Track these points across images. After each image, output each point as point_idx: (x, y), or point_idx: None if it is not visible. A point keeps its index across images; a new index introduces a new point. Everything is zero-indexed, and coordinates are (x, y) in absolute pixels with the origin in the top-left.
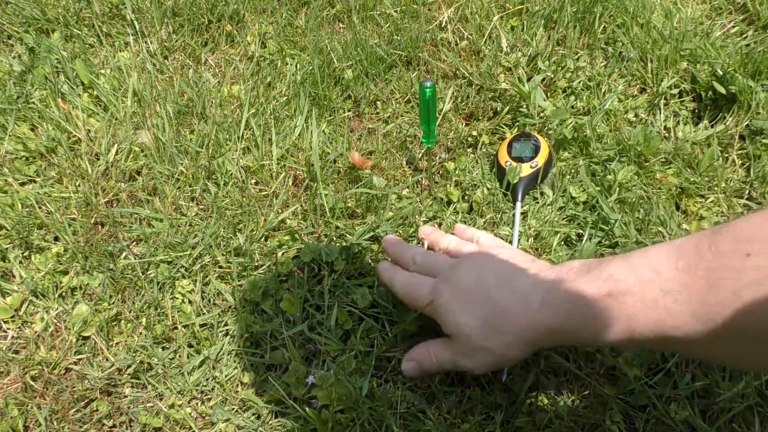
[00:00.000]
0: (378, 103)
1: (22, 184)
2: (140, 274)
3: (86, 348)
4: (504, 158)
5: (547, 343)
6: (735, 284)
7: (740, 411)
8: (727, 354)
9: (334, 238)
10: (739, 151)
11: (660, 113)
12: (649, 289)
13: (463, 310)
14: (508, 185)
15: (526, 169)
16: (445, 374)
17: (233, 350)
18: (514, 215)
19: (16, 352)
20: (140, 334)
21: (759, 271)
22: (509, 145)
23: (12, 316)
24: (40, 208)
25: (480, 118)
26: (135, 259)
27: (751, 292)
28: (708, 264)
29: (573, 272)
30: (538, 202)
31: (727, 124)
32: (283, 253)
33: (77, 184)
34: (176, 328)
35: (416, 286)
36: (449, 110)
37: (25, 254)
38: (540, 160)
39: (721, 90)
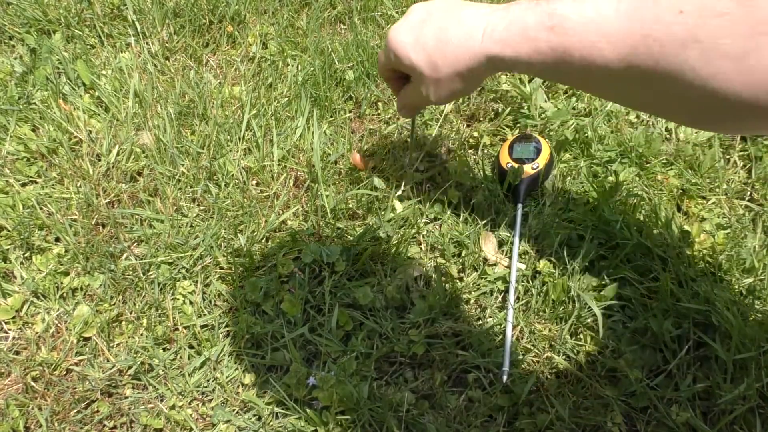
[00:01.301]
0: (379, 104)
1: (24, 185)
2: (141, 275)
3: (87, 349)
4: (505, 160)
5: (488, 73)
6: (664, 37)
7: (741, 413)
8: (620, 90)
9: (335, 239)
10: (741, 153)
11: None
12: (590, 30)
13: (414, 47)
14: (509, 187)
15: (527, 171)
16: (447, 377)
17: (234, 351)
18: (515, 216)
19: (17, 352)
20: (141, 335)
21: (687, 30)
22: (510, 147)
23: (13, 317)
24: (41, 208)
25: (481, 119)
26: (136, 260)
27: (675, 49)
28: (645, 12)
29: (520, 7)
30: (539, 204)
31: None
32: (284, 254)
33: (78, 185)
34: (177, 329)
35: (380, 52)
36: (450, 111)
37: (26, 255)
38: (541, 161)
39: None
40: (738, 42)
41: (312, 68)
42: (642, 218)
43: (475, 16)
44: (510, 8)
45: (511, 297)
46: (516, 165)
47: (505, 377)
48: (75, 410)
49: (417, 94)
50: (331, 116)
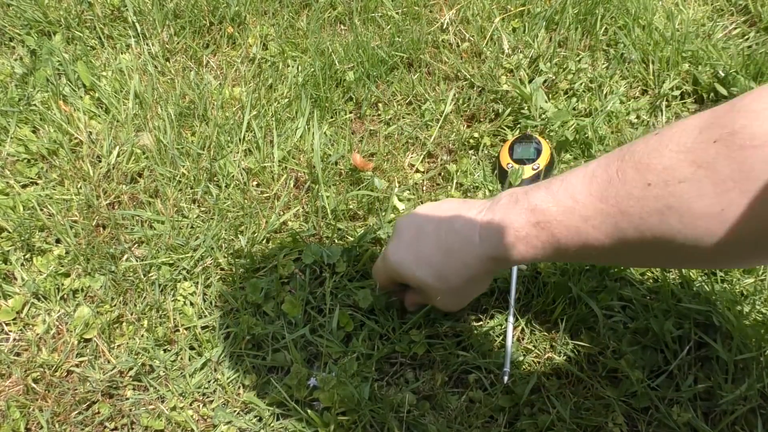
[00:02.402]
0: (379, 104)
1: (24, 187)
2: (142, 276)
3: (88, 350)
4: (506, 160)
5: (495, 269)
6: (641, 211)
7: (743, 413)
8: (630, 260)
9: (336, 240)
10: None
11: (662, 115)
12: (570, 217)
13: (417, 263)
14: (509, 187)
15: (527, 171)
16: (448, 377)
17: (235, 352)
18: None
19: (18, 354)
20: (142, 336)
21: (658, 200)
22: (511, 147)
23: (14, 319)
24: (41, 210)
25: (481, 119)
26: (136, 261)
27: (655, 219)
28: (617, 191)
29: (502, 207)
30: None
31: None
32: (284, 255)
33: (79, 186)
34: (178, 330)
35: (375, 266)
36: (450, 112)
37: (26, 256)
38: (542, 162)
39: (723, 92)
40: (709, 201)
41: (312, 69)
42: None
43: (466, 224)
44: (494, 209)
45: (512, 297)
46: (516, 165)
47: (506, 378)
48: (76, 412)
49: (429, 301)
50: (332, 117)
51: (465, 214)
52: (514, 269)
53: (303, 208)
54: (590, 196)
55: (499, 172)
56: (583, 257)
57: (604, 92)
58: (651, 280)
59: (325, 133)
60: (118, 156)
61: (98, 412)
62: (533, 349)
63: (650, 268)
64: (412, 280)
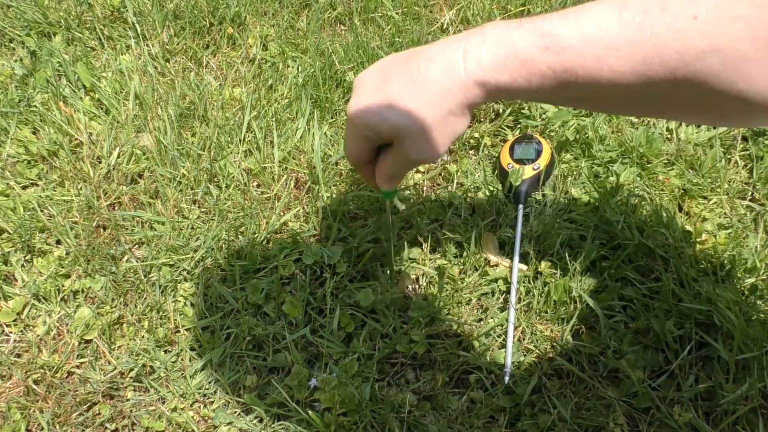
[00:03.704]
0: None
1: (24, 188)
2: (142, 277)
3: (88, 351)
4: (506, 160)
5: (477, 101)
6: (681, 46)
7: (744, 413)
8: (640, 104)
9: (336, 241)
10: (742, 153)
11: None
12: (591, 45)
13: (386, 107)
14: (510, 187)
15: (528, 172)
16: (449, 378)
17: (235, 353)
18: (516, 217)
19: (19, 355)
20: (142, 337)
21: (703, 36)
22: (511, 148)
23: (14, 320)
24: (42, 211)
25: (482, 120)
26: (137, 262)
27: (693, 57)
28: (655, 21)
29: (499, 29)
30: (540, 204)
31: None
32: (285, 256)
33: (79, 187)
34: (178, 331)
35: (345, 140)
36: None
37: (27, 258)
38: (542, 162)
39: None
40: (758, 45)
41: (312, 69)
42: (643, 218)
43: (445, 48)
44: (485, 32)
45: (513, 297)
46: (517, 166)
47: (506, 378)
48: (76, 413)
49: (403, 157)
50: (332, 117)
51: (442, 43)
52: (515, 269)
53: (303, 208)
54: (620, 25)
55: (500, 172)
56: (586, 95)
57: None
58: (652, 280)
59: (325, 133)
60: (118, 157)
61: (99, 414)
62: (534, 349)
63: (647, 117)
64: (383, 129)
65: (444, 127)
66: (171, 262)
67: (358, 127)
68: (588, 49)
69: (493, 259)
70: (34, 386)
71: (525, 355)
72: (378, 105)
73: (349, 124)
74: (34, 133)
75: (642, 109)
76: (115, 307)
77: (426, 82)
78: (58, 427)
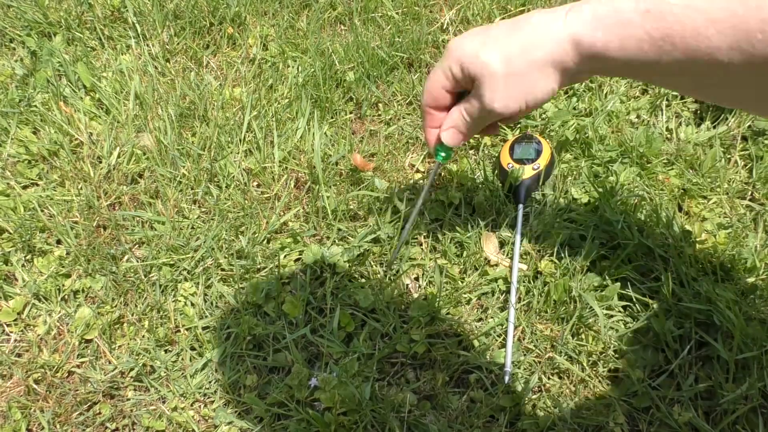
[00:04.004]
0: (380, 105)
1: (25, 188)
2: (142, 276)
3: (89, 351)
4: (506, 160)
5: (567, 64)
6: None
7: (744, 413)
8: (739, 90)
9: (336, 241)
10: (742, 153)
11: (662, 114)
12: (693, 15)
13: (484, 43)
14: (510, 187)
15: (528, 171)
16: (449, 377)
17: (236, 353)
18: (516, 217)
19: (19, 355)
20: (143, 337)
21: None
22: (511, 148)
23: (15, 320)
24: (42, 211)
25: None
26: (137, 261)
27: None
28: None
29: None
30: (540, 204)
31: (729, 125)
32: (285, 256)
33: (79, 187)
34: (179, 330)
35: (429, 77)
36: None
37: (27, 257)
38: (542, 162)
39: None
40: None
41: (312, 69)
42: (643, 218)
43: (552, 10)
44: None
45: (513, 297)
46: (517, 165)
47: (506, 377)
48: (77, 412)
49: (476, 102)
50: (332, 117)
51: (541, 10)
52: (515, 268)
53: (303, 208)
54: None
55: (500, 172)
56: (682, 70)
57: (605, 92)
58: (652, 280)
59: (325, 133)
60: (118, 157)
61: (99, 413)
62: (534, 348)
63: (743, 108)
64: (473, 60)
65: (523, 81)
66: (171, 262)
67: (449, 59)
68: (689, 18)
69: (493, 259)
70: (35, 386)
71: (525, 355)
72: (474, 41)
73: (443, 57)
74: (34, 133)
75: (740, 96)
76: (116, 306)
77: (524, 29)
78: (58, 426)
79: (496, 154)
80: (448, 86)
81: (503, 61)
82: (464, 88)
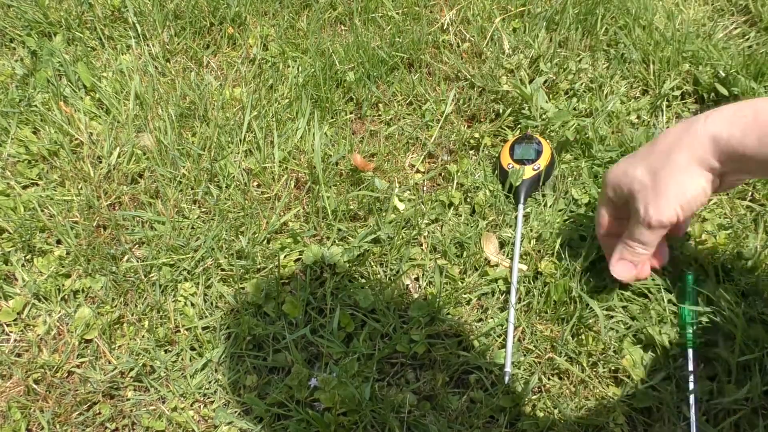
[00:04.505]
0: (380, 105)
1: (25, 188)
2: (142, 276)
3: (89, 351)
4: (506, 161)
5: (711, 161)
6: None
7: (745, 413)
8: None
9: (336, 241)
10: None
11: (662, 115)
12: None
13: (631, 163)
14: (510, 188)
15: (528, 172)
16: (449, 377)
17: (236, 353)
18: (516, 218)
19: (19, 355)
20: (143, 337)
21: None
22: (511, 148)
23: (15, 320)
24: (42, 211)
25: (482, 120)
26: (137, 261)
27: None
28: None
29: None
30: (540, 204)
31: None
32: (285, 256)
33: (79, 187)
34: (179, 330)
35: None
36: (451, 112)
37: (27, 257)
38: (542, 162)
39: (724, 92)
40: None
41: (313, 70)
42: None
43: (691, 117)
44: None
45: (513, 297)
46: (517, 166)
47: (506, 378)
48: (77, 412)
49: (635, 217)
50: (332, 117)
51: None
52: (515, 269)
53: (303, 208)
54: None
55: (500, 172)
56: None
57: (605, 92)
58: (652, 280)
59: (325, 133)
60: (118, 157)
61: (99, 413)
62: (534, 349)
63: None
64: (622, 181)
65: (671, 185)
66: (171, 262)
67: (605, 185)
68: None
69: (493, 259)
70: (35, 386)
71: (525, 355)
72: (623, 163)
73: (605, 179)
74: (34, 132)
75: None
76: (116, 306)
77: (666, 139)
78: (58, 426)
79: (496, 155)
80: (608, 211)
81: (649, 172)
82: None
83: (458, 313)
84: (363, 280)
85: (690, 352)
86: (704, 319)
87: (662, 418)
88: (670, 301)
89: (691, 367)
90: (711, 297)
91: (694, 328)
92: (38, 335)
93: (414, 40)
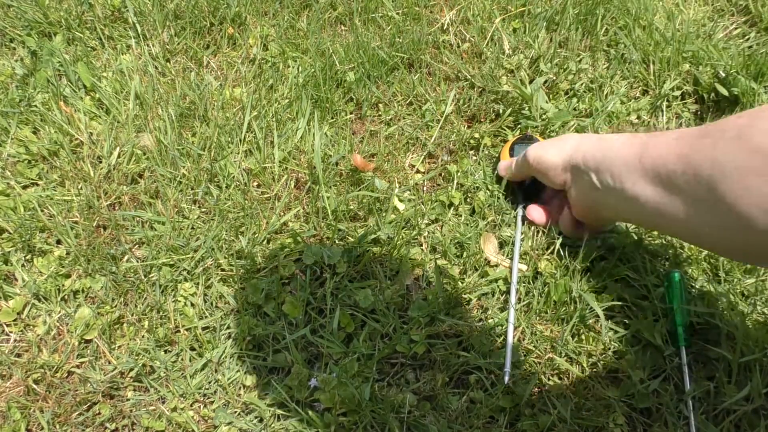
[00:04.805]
0: (380, 105)
1: (25, 188)
2: (142, 277)
3: (88, 351)
4: (506, 159)
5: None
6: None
7: (745, 414)
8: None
9: (337, 241)
10: None
11: (662, 115)
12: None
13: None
14: (509, 188)
15: None
16: (449, 378)
17: (235, 353)
18: (516, 217)
19: (19, 355)
20: (143, 337)
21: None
22: (511, 148)
23: (14, 320)
24: (42, 211)
25: (482, 120)
26: (137, 262)
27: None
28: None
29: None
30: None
31: None
32: (285, 256)
33: (79, 187)
34: (178, 331)
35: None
36: (451, 113)
37: (27, 257)
38: None
39: (724, 92)
40: None
41: (313, 70)
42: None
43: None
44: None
45: (513, 297)
46: None
47: (506, 378)
48: (76, 412)
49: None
50: (332, 118)
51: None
52: (515, 269)
53: (304, 208)
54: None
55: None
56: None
57: (605, 92)
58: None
59: (325, 133)
60: (118, 157)
61: (99, 413)
62: (534, 349)
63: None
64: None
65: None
66: (171, 262)
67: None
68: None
69: (493, 259)
70: (34, 386)
71: (524, 355)
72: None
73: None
74: (34, 132)
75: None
76: (116, 306)
77: (545, 151)
78: (58, 426)
79: (497, 155)
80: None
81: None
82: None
83: (458, 313)
84: (363, 280)
85: (683, 350)
86: (696, 318)
87: (662, 418)
88: (662, 300)
89: (684, 365)
90: (700, 294)
91: (686, 326)
92: (38, 335)
93: (414, 40)
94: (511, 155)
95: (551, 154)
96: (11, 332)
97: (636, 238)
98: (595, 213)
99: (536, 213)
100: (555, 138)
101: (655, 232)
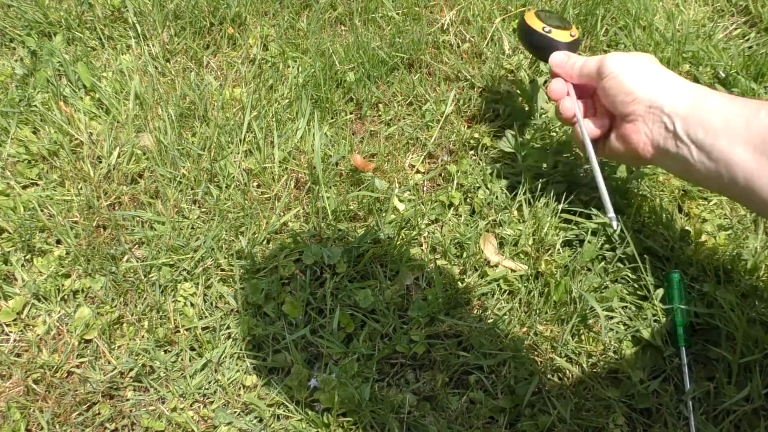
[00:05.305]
0: (380, 105)
1: (25, 188)
2: (142, 277)
3: (88, 351)
4: (538, 25)
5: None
6: None
7: (745, 414)
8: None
9: (336, 241)
10: None
11: None
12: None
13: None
14: (543, 51)
15: (566, 36)
16: (449, 378)
17: (235, 353)
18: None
19: (18, 355)
20: (142, 337)
21: None
22: (537, 16)
23: (14, 320)
24: (42, 211)
25: (482, 120)
26: (137, 262)
27: None
28: None
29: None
30: (539, 204)
31: None
32: (285, 256)
33: (79, 187)
34: (178, 331)
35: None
36: (451, 113)
37: (27, 257)
38: (576, 32)
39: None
40: None
41: (313, 70)
42: (643, 219)
43: None
44: None
45: (588, 146)
46: (555, 30)
47: (615, 223)
48: (76, 413)
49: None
50: (332, 118)
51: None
52: (583, 128)
53: (303, 208)
54: None
55: (528, 39)
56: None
57: None
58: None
59: (325, 133)
60: (118, 157)
61: (99, 413)
62: (534, 349)
63: None
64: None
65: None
66: (171, 262)
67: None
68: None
69: (493, 259)
70: (34, 386)
71: (525, 356)
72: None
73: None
74: (34, 132)
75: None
76: (115, 306)
77: None
78: (57, 426)
79: (516, 26)
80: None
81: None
82: None
83: (458, 313)
84: (363, 281)
85: (683, 350)
86: (696, 318)
87: (662, 418)
88: (662, 300)
89: (684, 365)
90: (700, 295)
91: (686, 326)
92: (38, 335)
93: (414, 40)
94: (542, 20)
95: (641, 81)
96: (11, 332)
97: (636, 238)
98: (659, 159)
99: (557, 85)
100: (644, 58)
101: (655, 232)
